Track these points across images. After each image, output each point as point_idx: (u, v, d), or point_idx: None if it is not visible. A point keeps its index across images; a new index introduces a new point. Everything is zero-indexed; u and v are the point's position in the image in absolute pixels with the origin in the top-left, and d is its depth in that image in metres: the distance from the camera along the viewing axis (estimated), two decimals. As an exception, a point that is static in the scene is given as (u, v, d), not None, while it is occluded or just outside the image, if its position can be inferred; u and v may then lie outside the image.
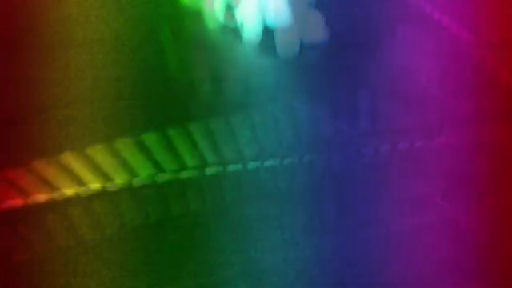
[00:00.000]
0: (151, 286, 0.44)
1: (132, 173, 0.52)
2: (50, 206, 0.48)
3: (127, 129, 0.57)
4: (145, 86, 0.64)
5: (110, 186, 0.51)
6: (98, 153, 0.54)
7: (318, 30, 0.62)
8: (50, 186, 0.50)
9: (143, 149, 0.55)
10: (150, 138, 0.56)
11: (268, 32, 0.62)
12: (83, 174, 0.51)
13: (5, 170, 0.51)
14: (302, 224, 0.50)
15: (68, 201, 0.49)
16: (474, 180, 0.56)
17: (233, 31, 0.64)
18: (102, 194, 0.50)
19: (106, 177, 0.51)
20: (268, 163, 0.55)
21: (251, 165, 0.55)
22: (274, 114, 0.62)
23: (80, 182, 0.50)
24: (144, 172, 0.52)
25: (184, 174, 0.53)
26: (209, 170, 0.53)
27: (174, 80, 0.65)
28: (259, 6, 0.62)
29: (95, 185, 0.50)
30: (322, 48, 0.62)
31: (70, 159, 0.53)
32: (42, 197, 0.49)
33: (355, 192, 0.53)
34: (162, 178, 0.52)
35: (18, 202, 0.48)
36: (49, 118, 0.57)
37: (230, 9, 0.64)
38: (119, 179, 0.51)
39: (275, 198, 0.52)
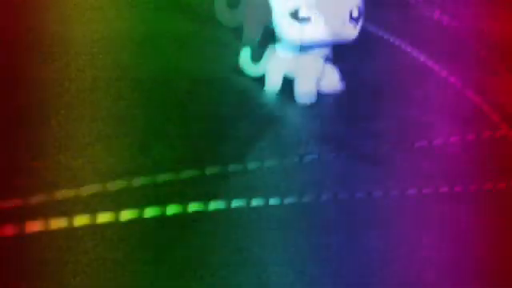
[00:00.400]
0: (151, 285, 0.44)
1: (132, 173, 0.52)
2: (50, 206, 0.48)
3: (127, 129, 0.57)
4: (145, 86, 0.64)
5: (110, 186, 0.51)
6: (98, 153, 0.54)
7: (334, 82, 0.67)
8: (49, 185, 0.50)
9: (143, 149, 0.55)
10: (150, 138, 0.56)
11: (288, 82, 0.65)
12: (83, 174, 0.51)
13: (4, 170, 0.51)
14: (303, 224, 0.50)
15: (68, 201, 0.49)
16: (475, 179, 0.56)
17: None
18: (102, 194, 0.50)
19: (106, 177, 0.51)
20: (268, 163, 0.56)
21: (251, 165, 0.55)
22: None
23: (80, 182, 0.50)
24: (144, 172, 0.52)
25: (184, 174, 0.53)
26: (209, 170, 0.53)
27: (174, 80, 0.65)
28: (281, 60, 0.65)
29: (95, 185, 0.50)
30: (336, 97, 0.65)
31: (70, 159, 0.53)
32: (42, 197, 0.49)
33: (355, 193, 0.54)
34: (162, 178, 0.52)
35: (17, 201, 0.48)
36: (49, 118, 0.57)
37: (255, 60, 0.66)
38: (119, 179, 0.51)
39: (276, 197, 0.52)
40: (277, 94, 0.66)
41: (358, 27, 0.62)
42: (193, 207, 0.50)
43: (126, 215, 0.48)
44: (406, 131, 0.62)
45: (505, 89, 0.70)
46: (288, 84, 0.65)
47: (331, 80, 0.67)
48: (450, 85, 0.70)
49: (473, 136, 0.62)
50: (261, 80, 0.66)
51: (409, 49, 0.75)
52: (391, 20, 0.79)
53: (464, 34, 0.79)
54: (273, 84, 0.66)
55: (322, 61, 0.65)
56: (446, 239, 0.50)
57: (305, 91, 0.65)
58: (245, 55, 0.67)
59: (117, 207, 0.49)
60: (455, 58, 0.74)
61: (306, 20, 0.60)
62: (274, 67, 0.65)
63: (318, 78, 0.65)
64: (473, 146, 0.61)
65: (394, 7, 0.82)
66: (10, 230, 0.46)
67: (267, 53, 0.66)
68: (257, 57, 0.66)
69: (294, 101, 0.65)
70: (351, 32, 0.62)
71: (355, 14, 0.61)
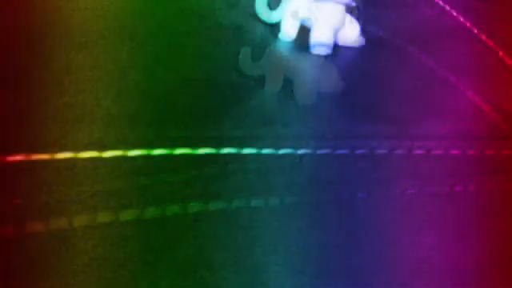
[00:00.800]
0: (151, 285, 0.44)
1: (132, 173, 0.52)
2: (50, 206, 0.48)
3: (127, 129, 0.57)
4: (145, 87, 0.64)
5: (110, 186, 0.51)
6: (98, 153, 0.54)
7: (353, 35, 0.67)
8: (49, 185, 0.50)
9: (143, 149, 0.55)
10: (151, 138, 0.56)
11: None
12: (83, 174, 0.51)
13: (4, 170, 0.51)
14: (303, 222, 0.50)
15: (68, 201, 0.49)
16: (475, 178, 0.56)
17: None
18: (102, 194, 0.50)
19: (106, 177, 0.51)
20: (268, 163, 0.56)
21: (251, 165, 0.55)
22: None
23: (80, 181, 0.50)
24: (144, 172, 0.52)
25: (184, 174, 0.53)
26: (208, 170, 0.53)
27: (174, 80, 0.65)
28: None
29: (95, 184, 0.50)
30: (337, 96, 0.65)
31: (70, 159, 0.53)
32: (42, 197, 0.49)
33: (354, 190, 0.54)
34: (162, 177, 0.52)
35: (17, 201, 0.48)
36: (49, 118, 0.57)
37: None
38: (119, 179, 0.51)
39: (276, 197, 0.52)
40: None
41: (359, 28, 0.62)
42: (193, 207, 0.50)
43: (126, 215, 0.48)
44: (407, 132, 0.62)
45: (505, 89, 0.70)
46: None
47: (351, 33, 0.65)
48: (450, 85, 0.70)
49: (473, 136, 0.62)
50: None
51: (410, 49, 0.75)
52: (391, 20, 0.79)
53: (463, 33, 0.79)
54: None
55: (342, 9, 0.63)
56: (446, 239, 0.50)
57: (320, 41, 0.63)
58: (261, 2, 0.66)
59: (117, 207, 0.49)
60: (455, 59, 0.74)
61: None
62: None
63: (336, 28, 0.63)
64: (473, 146, 0.61)
65: (395, 7, 0.82)
66: (10, 230, 0.46)
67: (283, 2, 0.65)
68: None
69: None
70: (351, 32, 0.62)
71: (355, 13, 0.61)
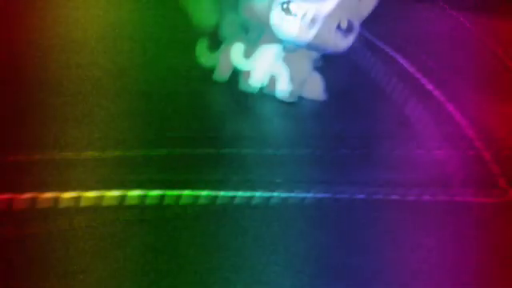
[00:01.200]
0: (151, 285, 0.44)
1: (132, 173, 0.52)
2: (50, 206, 0.48)
3: (127, 131, 0.57)
4: (144, 88, 0.64)
5: (111, 186, 0.51)
6: (98, 153, 0.54)
7: (316, 91, 0.65)
8: (49, 185, 0.50)
9: (143, 150, 0.55)
10: (150, 138, 0.56)
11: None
12: (83, 175, 0.51)
13: (4, 170, 0.51)
14: (304, 222, 0.50)
15: (68, 201, 0.49)
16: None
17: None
18: (102, 194, 0.50)
19: (106, 177, 0.51)
20: (267, 162, 0.56)
21: (251, 165, 0.55)
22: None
23: (80, 182, 0.50)
24: (144, 172, 0.52)
25: (184, 175, 0.53)
26: (208, 170, 0.54)
27: (174, 80, 0.65)
28: (271, 59, 0.64)
29: (95, 185, 0.50)
30: (336, 95, 0.64)
31: (70, 160, 0.53)
32: (41, 197, 0.49)
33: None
34: (162, 178, 0.52)
35: (17, 201, 0.48)
36: (49, 118, 0.57)
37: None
38: (119, 179, 0.51)
39: (276, 197, 0.52)
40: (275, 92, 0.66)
41: (348, 40, 0.61)
42: (193, 207, 0.50)
43: (126, 215, 0.48)
44: (406, 132, 0.62)
45: (505, 89, 0.70)
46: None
47: (314, 88, 0.65)
48: (450, 85, 0.70)
49: (474, 136, 0.62)
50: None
51: (409, 49, 0.75)
52: (391, 19, 0.79)
53: (463, 33, 0.79)
54: (256, 79, 0.65)
55: (307, 63, 0.64)
56: (447, 239, 0.50)
57: (285, 90, 0.64)
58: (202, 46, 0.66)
59: (117, 207, 0.49)
60: (455, 59, 0.74)
61: (291, 14, 0.59)
62: (261, 66, 0.64)
63: (301, 80, 0.64)
64: (474, 147, 0.61)
65: (394, 7, 0.82)
66: (10, 230, 0.46)
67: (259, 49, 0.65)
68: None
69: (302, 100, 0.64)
70: (338, 43, 0.61)
71: (343, 25, 0.60)
